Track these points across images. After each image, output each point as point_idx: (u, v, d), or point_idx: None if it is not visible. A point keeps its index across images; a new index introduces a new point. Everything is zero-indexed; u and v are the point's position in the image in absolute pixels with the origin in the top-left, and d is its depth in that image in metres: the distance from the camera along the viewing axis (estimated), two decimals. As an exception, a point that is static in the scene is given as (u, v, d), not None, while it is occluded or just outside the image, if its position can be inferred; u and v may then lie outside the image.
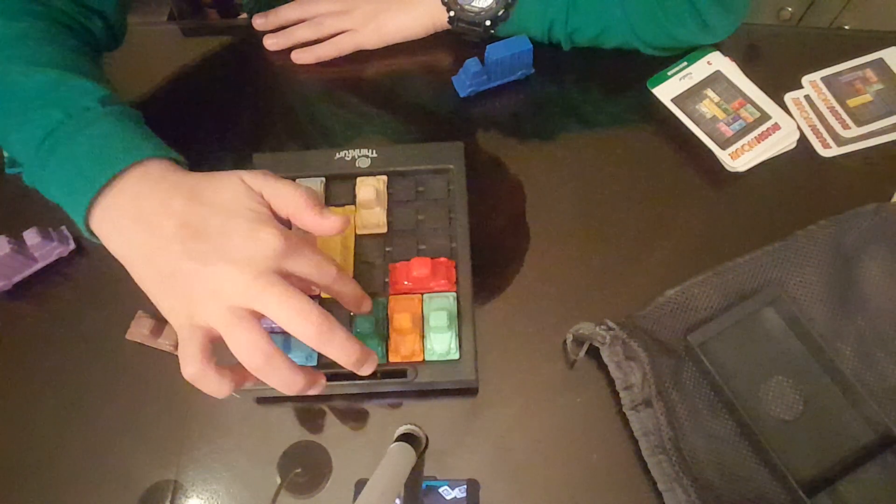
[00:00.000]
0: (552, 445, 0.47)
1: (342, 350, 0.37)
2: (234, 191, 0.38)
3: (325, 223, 0.40)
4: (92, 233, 0.40)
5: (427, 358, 0.46)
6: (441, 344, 0.46)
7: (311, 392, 0.39)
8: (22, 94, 0.42)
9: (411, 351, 0.46)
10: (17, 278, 0.54)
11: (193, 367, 0.36)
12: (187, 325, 0.36)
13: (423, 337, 0.47)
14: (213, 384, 0.36)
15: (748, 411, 0.45)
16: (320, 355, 0.47)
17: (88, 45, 0.51)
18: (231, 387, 0.37)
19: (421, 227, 0.51)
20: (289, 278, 0.37)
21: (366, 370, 0.39)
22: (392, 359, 0.46)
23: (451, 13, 0.59)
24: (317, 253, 0.39)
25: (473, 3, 0.58)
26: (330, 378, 0.46)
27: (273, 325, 0.47)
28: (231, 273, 0.35)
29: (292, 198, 0.39)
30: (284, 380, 0.37)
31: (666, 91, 0.59)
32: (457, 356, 0.46)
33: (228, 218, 0.37)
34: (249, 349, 0.35)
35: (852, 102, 0.57)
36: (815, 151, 0.57)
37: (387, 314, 0.48)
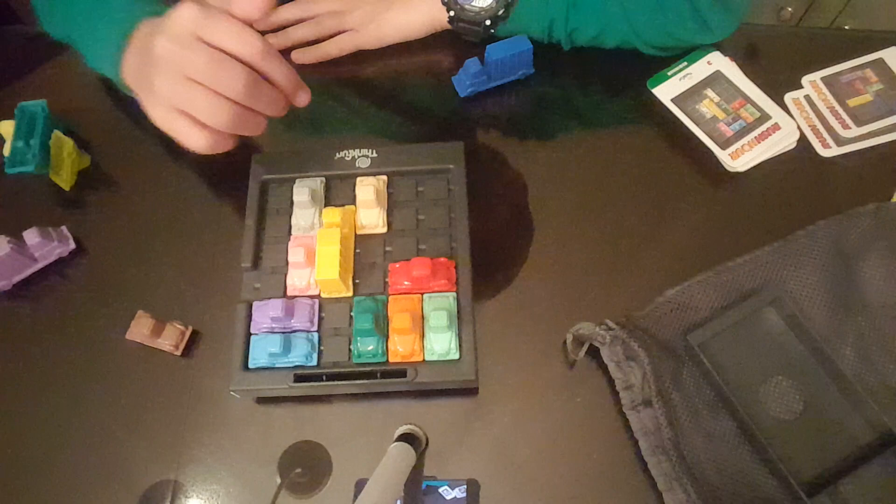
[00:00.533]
0: (552, 445, 0.47)
1: (281, 70, 0.42)
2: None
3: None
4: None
5: (427, 358, 0.46)
6: (441, 344, 0.46)
7: (299, 101, 0.45)
8: None
9: (411, 351, 0.46)
10: (17, 278, 0.54)
11: (203, 139, 0.42)
12: (167, 112, 0.41)
13: (422, 337, 0.47)
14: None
15: (748, 411, 0.45)
16: (320, 355, 0.47)
17: None
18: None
19: (421, 227, 0.51)
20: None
21: (302, 99, 0.44)
22: (392, 359, 0.46)
23: (451, 13, 0.58)
24: (236, 23, 0.40)
25: (473, 3, 0.57)
26: (330, 378, 0.46)
27: (274, 326, 0.47)
28: (168, 46, 0.39)
29: None
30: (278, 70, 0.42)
31: (666, 91, 0.59)
32: (457, 356, 0.46)
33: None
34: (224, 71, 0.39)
35: (852, 102, 0.57)
36: (815, 151, 0.57)
37: (387, 314, 0.48)
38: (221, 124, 0.41)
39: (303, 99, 0.45)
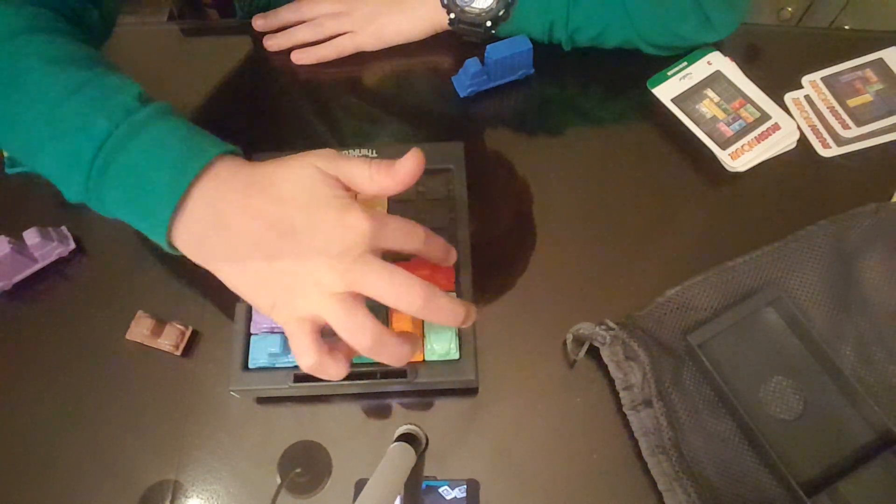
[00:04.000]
0: (552, 445, 0.47)
1: (451, 313, 0.37)
2: (311, 179, 0.37)
3: (402, 172, 0.39)
4: (172, 247, 0.38)
5: (427, 358, 0.46)
6: (441, 344, 0.46)
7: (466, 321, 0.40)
8: (47, 98, 0.38)
9: None
10: (17, 278, 0.54)
11: (311, 359, 0.36)
12: (293, 320, 0.36)
13: (423, 337, 0.47)
14: (332, 369, 0.37)
15: (748, 411, 0.45)
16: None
17: (88, 36, 0.48)
18: (347, 367, 0.38)
19: (421, 227, 0.51)
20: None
21: (470, 320, 0.39)
22: None
23: (452, 15, 0.59)
24: (401, 221, 0.39)
25: (473, 5, 0.58)
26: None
27: (274, 326, 0.47)
28: (327, 265, 0.35)
29: (365, 174, 0.39)
30: (394, 354, 0.37)
31: (666, 91, 0.59)
32: (457, 356, 0.46)
33: (313, 211, 0.36)
34: (358, 331, 0.36)
35: (852, 102, 0.57)
36: (815, 151, 0.57)
37: (387, 314, 0.48)
38: (405, 360, 0.38)
39: (453, 258, 0.43)
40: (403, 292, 0.36)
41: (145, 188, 0.36)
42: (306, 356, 0.36)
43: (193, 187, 0.36)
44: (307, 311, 0.36)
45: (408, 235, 0.39)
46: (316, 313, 0.36)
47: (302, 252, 0.36)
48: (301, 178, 0.37)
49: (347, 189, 0.39)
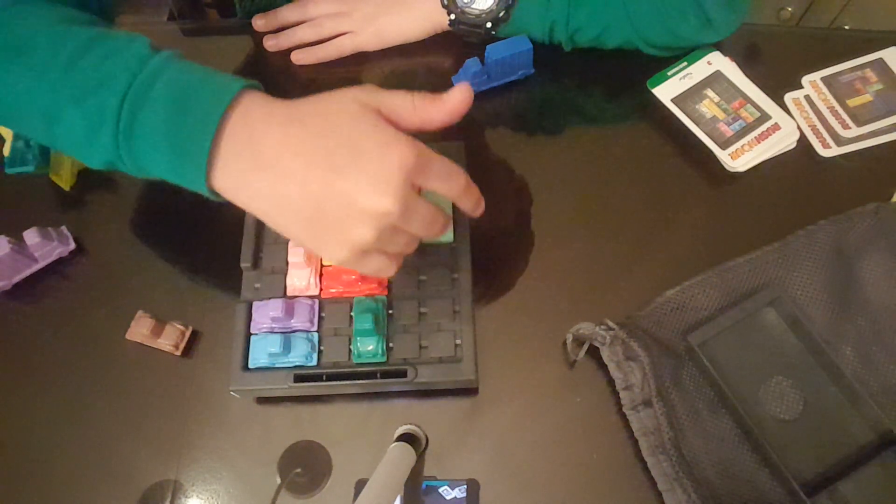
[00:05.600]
0: (552, 445, 0.47)
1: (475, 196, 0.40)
2: (352, 113, 0.36)
3: (450, 103, 0.38)
4: (215, 193, 0.37)
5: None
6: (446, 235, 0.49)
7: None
8: (59, 61, 0.37)
9: None
10: (17, 278, 0.54)
11: (391, 271, 0.39)
12: (352, 257, 0.37)
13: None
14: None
15: (748, 411, 0.45)
16: (320, 355, 0.47)
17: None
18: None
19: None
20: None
21: (480, 209, 0.42)
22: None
23: (452, 16, 0.59)
24: (447, 161, 0.38)
25: (474, 6, 0.58)
26: (330, 378, 0.46)
27: (274, 326, 0.47)
28: (375, 198, 0.34)
29: (409, 104, 0.38)
30: (473, 195, 0.40)
31: (666, 91, 0.59)
32: (451, 239, 0.49)
33: (356, 143, 0.35)
34: (426, 214, 0.37)
35: (852, 102, 0.57)
36: (815, 151, 0.57)
37: (387, 314, 0.48)
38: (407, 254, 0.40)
39: (481, 209, 0.43)
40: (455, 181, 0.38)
41: (176, 131, 0.35)
42: (388, 270, 0.39)
43: (226, 124, 0.35)
44: (363, 240, 0.35)
45: (451, 175, 0.38)
46: (371, 240, 0.35)
47: (349, 189, 0.34)
48: (341, 111, 0.36)
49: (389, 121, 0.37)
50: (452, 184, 0.38)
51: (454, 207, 0.50)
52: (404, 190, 0.35)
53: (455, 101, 0.38)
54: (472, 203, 0.41)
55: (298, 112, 0.36)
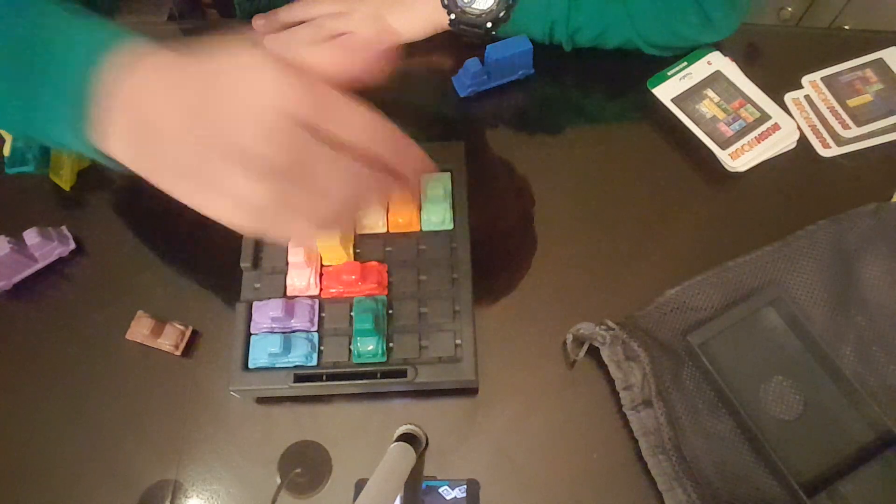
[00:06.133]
0: (552, 445, 0.47)
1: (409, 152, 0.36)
2: (238, 56, 0.31)
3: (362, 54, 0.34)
4: (110, 159, 0.33)
5: (424, 228, 0.50)
6: (437, 215, 0.50)
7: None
8: None
9: (409, 221, 0.50)
10: (17, 278, 0.54)
11: (308, 238, 0.35)
12: (245, 213, 0.31)
13: (420, 209, 0.50)
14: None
15: (748, 411, 0.45)
16: (320, 355, 0.47)
17: None
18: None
19: (421, 226, 0.51)
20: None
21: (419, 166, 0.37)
22: (392, 229, 0.50)
23: (452, 16, 0.58)
24: (353, 105, 0.33)
25: (474, 6, 0.57)
26: (330, 378, 0.46)
27: (274, 326, 0.47)
28: (249, 140, 0.29)
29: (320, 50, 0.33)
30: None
31: (666, 91, 0.59)
32: (451, 227, 0.50)
33: (233, 84, 0.31)
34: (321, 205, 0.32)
35: (852, 102, 0.57)
36: (815, 151, 0.57)
37: (386, 314, 0.48)
38: (326, 221, 0.33)
39: (431, 167, 0.38)
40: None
41: (49, 81, 0.32)
42: (304, 235, 0.34)
43: (104, 81, 0.31)
44: (250, 191, 0.30)
45: (357, 119, 0.33)
46: (258, 191, 0.30)
47: (224, 129, 0.30)
48: (230, 57, 0.31)
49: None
50: (360, 129, 0.33)
51: (456, 205, 0.51)
52: (286, 132, 0.29)
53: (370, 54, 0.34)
54: (399, 155, 0.36)
55: (196, 72, 0.32)
